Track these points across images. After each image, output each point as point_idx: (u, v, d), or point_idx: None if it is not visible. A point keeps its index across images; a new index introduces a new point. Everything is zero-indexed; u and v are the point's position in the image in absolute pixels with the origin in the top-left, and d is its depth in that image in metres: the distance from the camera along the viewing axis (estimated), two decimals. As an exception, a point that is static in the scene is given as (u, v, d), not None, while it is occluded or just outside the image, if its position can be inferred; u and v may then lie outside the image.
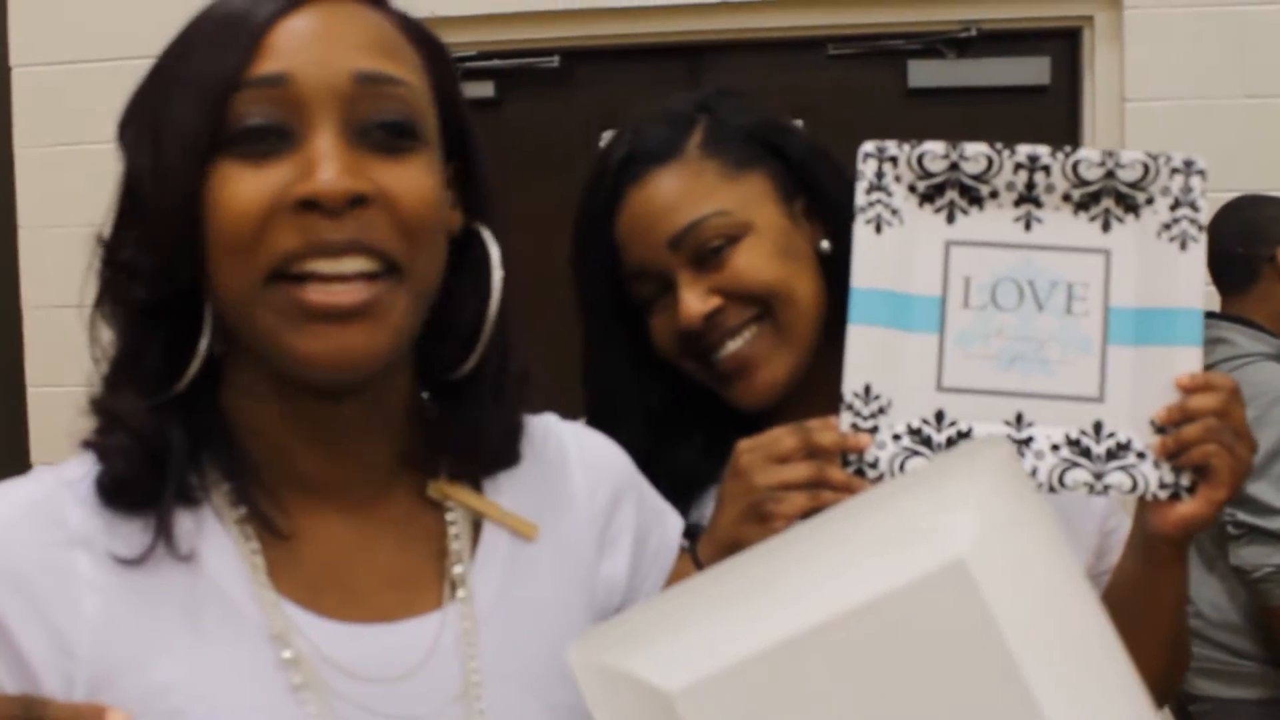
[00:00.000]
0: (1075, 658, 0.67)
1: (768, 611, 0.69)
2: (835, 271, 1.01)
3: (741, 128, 1.06)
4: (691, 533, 1.03)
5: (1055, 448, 0.90)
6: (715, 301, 1.02)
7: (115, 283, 0.73)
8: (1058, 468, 0.90)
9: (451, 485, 0.79)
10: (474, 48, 2.48)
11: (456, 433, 0.80)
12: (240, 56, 0.68)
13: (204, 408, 0.74)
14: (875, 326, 0.92)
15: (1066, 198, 0.92)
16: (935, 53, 2.54)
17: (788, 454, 0.90)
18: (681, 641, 0.70)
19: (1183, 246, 0.91)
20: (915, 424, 0.91)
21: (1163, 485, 0.89)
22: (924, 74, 2.54)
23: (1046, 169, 0.91)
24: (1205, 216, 0.90)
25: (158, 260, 0.70)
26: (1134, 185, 0.91)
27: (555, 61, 2.56)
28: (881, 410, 0.91)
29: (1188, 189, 0.91)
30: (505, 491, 0.82)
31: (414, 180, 0.70)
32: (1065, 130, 2.52)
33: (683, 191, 1.02)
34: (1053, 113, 2.56)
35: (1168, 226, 0.91)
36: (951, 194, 0.93)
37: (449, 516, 0.79)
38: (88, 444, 0.73)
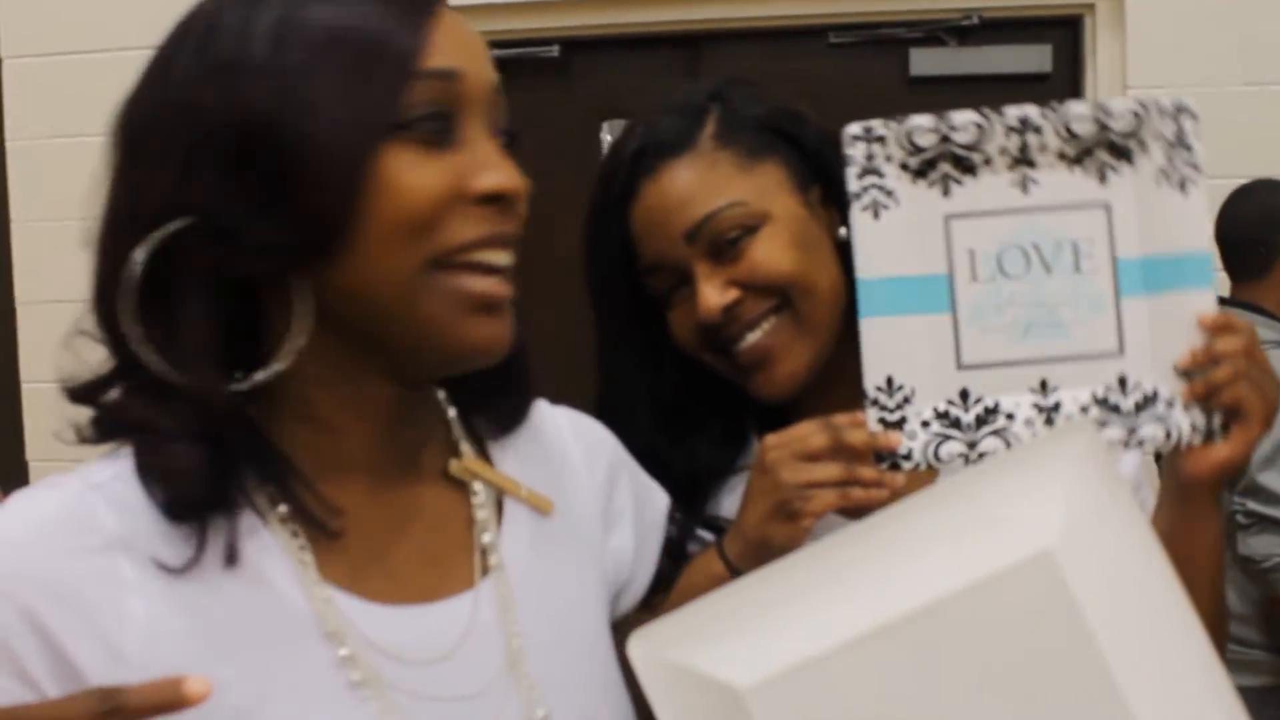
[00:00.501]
0: (1163, 652, 0.66)
1: (842, 606, 0.68)
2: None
3: (755, 116, 1.05)
4: (713, 526, 1.04)
5: (1084, 409, 0.89)
6: (734, 294, 1.00)
7: (202, 259, 0.69)
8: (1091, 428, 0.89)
9: (475, 462, 0.80)
10: None
11: (458, 410, 0.82)
12: (413, 45, 0.70)
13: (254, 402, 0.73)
14: (887, 316, 0.90)
15: (1061, 155, 0.90)
16: (937, 40, 2.52)
17: (816, 453, 0.90)
18: (750, 637, 0.68)
19: (1182, 189, 0.89)
20: (942, 407, 0.90)
21: (1195, 430, 0.88)
22: (925, 62, 2.53)
23: (1038, 129, 0.90)
24: (1201, 158, 0.89)
25: (287, 235, 0.68)
26: (1126, 134, 0.90)
27: (555, 51, 2.55)
28: (906, 400, 0.90)
29: (1180, 131, 0.90)
30: (514, 469, 0.83)
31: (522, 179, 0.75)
32: (1067, 118, 2.51)
33: (698, 183, 1.01)
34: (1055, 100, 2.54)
35: (1165, 171, 0.90)
36: (945, 166, 0.91)
37: (475, 490, 0.80)
38: (147, 459, 0.70)
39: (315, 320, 0.71)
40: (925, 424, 0.90)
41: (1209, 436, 0.88)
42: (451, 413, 0.83)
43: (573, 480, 0.87)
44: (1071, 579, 0.66)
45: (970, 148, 0.91)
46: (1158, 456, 0.97)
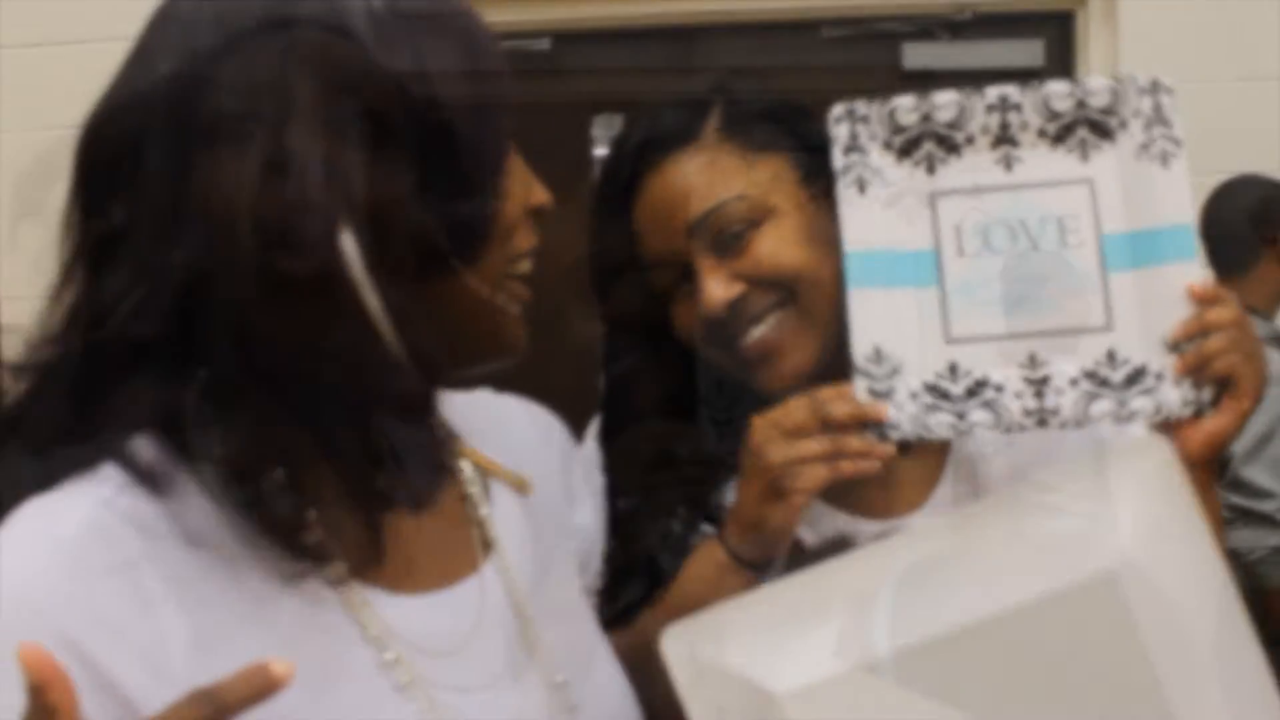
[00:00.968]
0: (1223, 677, 0.65)
1: (887, 615, 0.67)
2: None
3: (758, 110, 1.04)
4: (717, 519, 1.04)
5: (1074, 382, 0.89)
6: (739, 288, 1.00)
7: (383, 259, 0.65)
8: (1081, 402, 0.89)
9: (467, 448, 0.81)
10: None
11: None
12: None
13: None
14: (875, 288, 0.91)
15: (1042, 133, 0.92)
16: (929, 35, 2.53)
17: (801, 428, 0.90)
18: (790, 641, 0.68)
19: (1163, 163, 0.91)
20: (930, 380, 0.90)
21: (1185, 403, 0.88)
22: (919, 56, 2.55)
23: (1018, 107, 0.92)
24: (1180, 132, 0.90)
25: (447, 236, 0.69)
26: (1105, 111, 0.91)
27: (546, 44, 2.55)
28: (895, 371, 0.91)
29: (1158, 106, 0.91)
30: (489, 452, 0.85)
31: None
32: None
33: (701, 176, 1.01)
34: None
35: (1145, 147, 0.91)
36: (928, 145, 0.93)
37: (467, 475, 0.81)
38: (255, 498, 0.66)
39: None
40: (914, 395, 0.90)
41: (1200, 410, 0.88)
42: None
43: (535, 462, 0.88)
44: (1134, 603, 0.65)
45: (952, 126, 0.92)
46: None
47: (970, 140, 0.92)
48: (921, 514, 1.04)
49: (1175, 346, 0.88)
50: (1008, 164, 0.92)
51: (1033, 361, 0.90)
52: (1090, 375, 0.89)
